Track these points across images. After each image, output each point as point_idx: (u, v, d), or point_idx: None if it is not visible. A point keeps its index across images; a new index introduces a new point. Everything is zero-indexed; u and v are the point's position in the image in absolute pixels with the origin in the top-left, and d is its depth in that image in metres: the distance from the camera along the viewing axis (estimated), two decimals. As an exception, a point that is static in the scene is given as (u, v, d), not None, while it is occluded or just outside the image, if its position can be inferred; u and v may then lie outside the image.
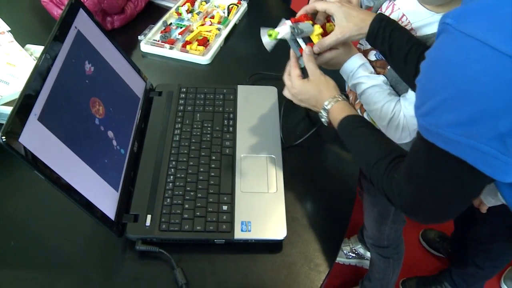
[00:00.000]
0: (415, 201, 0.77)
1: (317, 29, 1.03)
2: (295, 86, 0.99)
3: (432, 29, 1.02)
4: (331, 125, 0.96)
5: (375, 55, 1.14)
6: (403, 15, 1.09)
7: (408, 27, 1.06)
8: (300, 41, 1.02)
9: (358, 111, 1.21)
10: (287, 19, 1.02)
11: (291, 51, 1.02)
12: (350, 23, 0.98)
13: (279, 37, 1.01)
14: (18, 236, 0.96)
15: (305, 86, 0.98)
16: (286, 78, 1.03)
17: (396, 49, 0.96)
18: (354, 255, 2.05)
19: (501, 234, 1.47)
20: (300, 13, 1.04)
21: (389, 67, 1.09)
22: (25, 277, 0.90)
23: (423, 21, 1.04)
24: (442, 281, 1.87)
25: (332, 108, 0.94)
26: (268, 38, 1.01)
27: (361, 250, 2.04)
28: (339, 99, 0.94)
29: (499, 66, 0.53)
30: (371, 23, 0.97)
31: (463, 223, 1.67)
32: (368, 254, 1.98)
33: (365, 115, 1.21)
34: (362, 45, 1.17)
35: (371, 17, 0.98)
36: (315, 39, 1.02)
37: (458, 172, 0.67)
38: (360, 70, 1.08)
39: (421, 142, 0.68)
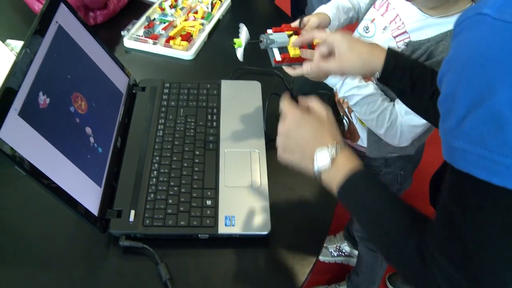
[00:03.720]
0: (465, 278, 0.56)
1: (291, 42, 1.00)
2: (293, 113, 0.81)
3: (425, 34, 0.99)
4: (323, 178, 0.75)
5: None
6: (397, 15, 1.07)
7: (401, 29, 1.04)
8: (275, 50, 1.00)
9: (346, 110, 1.20)
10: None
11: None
12: (354, 54, 0.85)
13: (243, 43, 1.00)
14: (-3, 232, 0.92)
15: (309, 116, 0.79)
16: (282, 104, 0.84)
17: (421, 85, 0.82)
18: (340, 253, 2.03)
19: None
20: (298, 40, 0.97)
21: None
22: (6, 274, 0.87)
23: (417, 23, 1.01)
24: None
25: (340, 154, 0.73)
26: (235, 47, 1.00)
27: (347, 248, 2.01)
28: (345, 148, 0.75)
29: None
30: (386, 57, 0.83)
31: None
32: (355, 251, 1.96)
33: (352, 115, 1.19)
34: None
35: (379, 50, 0.85)
36: (291, 50, 0.99)
37: (509, 208, 0.51)
38: (347, 80, 1.06)
39: (453, 180, 0.55)
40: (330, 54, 0.90)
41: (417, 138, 1.11)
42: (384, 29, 1.09)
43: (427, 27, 1.00)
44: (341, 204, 0.73)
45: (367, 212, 0.70)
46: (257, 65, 1.26)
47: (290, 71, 1.01)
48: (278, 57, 1.00)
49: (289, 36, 1.01)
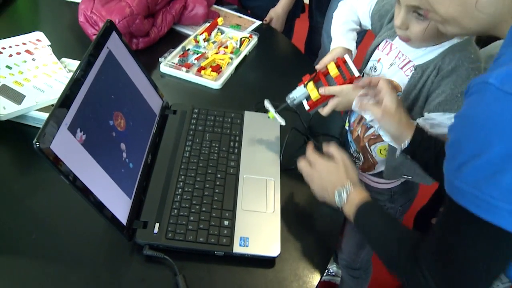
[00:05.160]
0: (448, 278, 0.67)
1: (310, 89, 1.10)
2: (320, 162, 0.97)
3: (428, 57, 1.04)
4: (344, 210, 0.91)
5: None
6: (400, 51, 1.10)
7: (406, 61, 1.08)
8: (304, 102, 1.13)
9: (366, 144, 1.22)
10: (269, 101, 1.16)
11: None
12: (396, 115, 0.93)
13: (274, 115, 1.14)
14: (39, 230, 0.96)
15: (330, 165, 0.96)
16: (310, 153, 1.01)
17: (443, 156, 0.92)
18: (327, 272, 2.03)
19: None
20: (365, 80, 1.02)
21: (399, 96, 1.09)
22: (40, 269, 0.90)
23: (418, 53, 1.06)
24: None
25: (353, 192, 0.89)
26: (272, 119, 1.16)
27: (334, 268, 2.02)
28: (360, 187, 0.91)
29: None
30: (415, 130, 0.92)
31: None
32: (340, 272, 1.98)
33: (372, 148, 1.21)
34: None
35: (412, 124, 0.94)
36: (312, 95, 1.09)
37: (494, 240, 0.60)
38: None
39: (451, 207, 0.62)
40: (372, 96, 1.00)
41: None
42: (391, 65, 1.13)
43: (428, 52, 1.05)
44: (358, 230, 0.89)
45: (373, 232, 0.85)
46: (277, 100, 1.28)
47: (321, 111, 1.12)
48: (306, 106, 1.12)
49: (306, 84, 1.12)
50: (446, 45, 1.01)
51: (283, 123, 1.15)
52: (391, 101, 0.93)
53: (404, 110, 0.95)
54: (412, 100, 1.06)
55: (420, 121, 1.05)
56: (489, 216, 0.57)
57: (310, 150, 1.02)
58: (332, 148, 0.99)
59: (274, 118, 1.15)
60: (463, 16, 0.68)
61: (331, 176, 0.94)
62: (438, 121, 1.02)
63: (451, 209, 0.63)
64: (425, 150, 0.92)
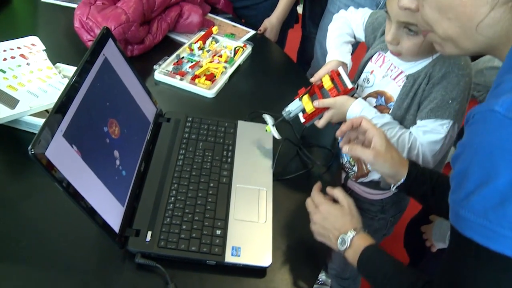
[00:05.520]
0: None
1: (305, 102, 1.13)
2: (325, 205, 0.96)
3: (419, 67, 1.07)
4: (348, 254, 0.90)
5: (375, 101, 1.16)
6: (392, 63, 1.12)
7: (397, 72, 1.11)
8: (300, 115, 1.17)
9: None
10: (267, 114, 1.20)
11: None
12: (387, 155, 0.93)
13: (271, 128, 1.17)
14: (30, 235, 0.96)
15: (335, 209, 0.95)
16: (315, 194, 1.00)
17: (441, 188, 0.92)
18: (316, 280, 2.04)
19: None
20: (346, 124, 1.00)
21: (391, 109, 1.12)
22: (29, 274, 0.89)
23: (410, 64, 1.09)
24: None
25: (356, 237, 0.89)
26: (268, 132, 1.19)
27: (323, 277, 2.03)
28: (362, 232, 0.90)
29: None
30: (409, 166, 0.94)
31: (417, 257, 1.70)
32: (329, 280, 1.98)
33: None
34: (358, 94, 1.19)
35: (405, 161, 0.95)
36: (307, 108, 1.13)
37: (504, 271, 0.59)
38: (364, 113, 1.10)
39: (457, 240, 0.62)
40: (358, 138, 1.01)
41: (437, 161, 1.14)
42: (383, 76, 1.17)
43: (418, 63, 1.08)
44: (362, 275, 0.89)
45: (379, 277, 0.83)
46: (270, 110, 1.29)
47: (317, 124, 1.15)
48: (302, 119, 1.15)
49: (301, 97, 1.15)
50: (436, 53, 1.03)
51: (278, 137, 1.17)
52: (380, 141, 0.93)
53: (393, 147, 0.96)
54: (405, 109, 1.08)
55: (413, 129, 1.07)
56: (498, 246, 0.56)
57: (316, 190, 1.01)
58: (337, 192, 0.98)
59: (270, 132, 1.17)
60: (462, 38, 0.68)
61: (335, 221, 0.93)
62: (430, 127, 1.04)
63: (458, 243, 0.62)
64: (421, 184, 0.93)
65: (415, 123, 1.08)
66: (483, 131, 0.57)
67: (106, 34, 1.02)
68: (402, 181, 0.94)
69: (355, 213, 0.94)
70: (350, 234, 0.89)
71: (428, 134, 1.04)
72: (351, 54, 1.30)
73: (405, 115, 1.09)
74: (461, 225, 0.60)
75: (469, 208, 0.58)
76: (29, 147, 0.71)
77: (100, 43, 0.99)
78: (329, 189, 1.01)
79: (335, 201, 0.98)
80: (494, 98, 0.57)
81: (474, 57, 1.27)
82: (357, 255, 0.87)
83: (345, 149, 0.98)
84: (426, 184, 0.93)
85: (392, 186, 0.97)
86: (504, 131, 0.54)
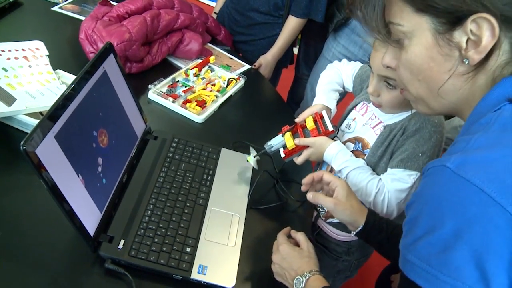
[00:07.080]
0: None
1: (287, 138, 1.22)
2: (285, 246, 0.99)
3: (397, 119, 1.15)
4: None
5: (353, 147, 1.22)
6: (373, 113, 1.19)
7: (377, 121, 1.19)
8: (280, 150, 1.25)
9: None
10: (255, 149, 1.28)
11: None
12: (347, 204, 1.00)
13: (252, 158, 1.25)
14: (7, 228, 0.98)
15: (294, 250, 0.99)
16: (280, 235, 1.05)
17: (396, 238, 0.94)
18: None
19: None
20: (307, 178, 1.08)
21: (366, 155, 1.19)
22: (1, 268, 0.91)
23: (388, 116, 1.18)
24: None
25: (311, 278, 0.92)
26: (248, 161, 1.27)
27: None
28: (318, 274, 0.94)
29: (493, 212, 0.55)
30: (367, 216, 1.00)
31: None
32: None
33: None
34: (338, 138, 1.26)
35: (364, 210, 1.01)
36: (288, 143, 1.21)
37: None
38: (339, 155, 1.17)
39: (403, 282, 0.65)
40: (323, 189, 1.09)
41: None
42: (364, 124, 1.26)
43: (397, 115, 1.17)
44: None
45: None
46: (254, 142, 1.34)
47: (295, 160, 1.24)
48: (282, 154, 1.24)
49: (284, 134, 1.24)
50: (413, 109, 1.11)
51: (256, 167, 1.25)
52: (342, 191, 1.00)
53: (354, 196, 1.03)
54: (379, 157, 1.16)
55: (383, 176, 1.13)
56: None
57: (282, 232, 1.06)
58: (299, 236, 1.03)
59: (250, 161, 1.25)
60: (431, 99, 0.75)
61: (293, 262, 0.97)
62: (398, 176, 1.11)
63: (405, 286, 0.65)
64: (378, 232, 1.00)
65: (386, 171, 1.14)
66: (434, 183, 0.62)
67: (108, 49, 1.08)
68: (360, 228, 1.00)
69: (313, 256, 0.99)
70: (307, 275, 0.92)
71: (396, 182, 1.11)
72: (338, 101, 1.38)
73: (378, 162, 1.16)
74: (407, 269, 0.65)
75: (415, 253, 0.62)
76: (21, 143, 0.76)
77: (102, 56, 1.05)
78: (293, 232, 1.06)
79: (298, 244, 1.03)
80: (448, 155, 0.63)
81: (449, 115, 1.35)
82: None
83: (308, 196, 1.04)
84: (383, 233, 0.99)
85: (352, 232, 1.03)
86: (452, 186, 0.59)
